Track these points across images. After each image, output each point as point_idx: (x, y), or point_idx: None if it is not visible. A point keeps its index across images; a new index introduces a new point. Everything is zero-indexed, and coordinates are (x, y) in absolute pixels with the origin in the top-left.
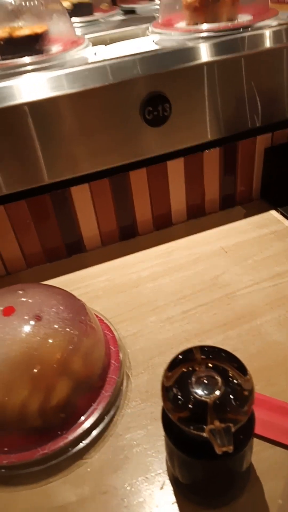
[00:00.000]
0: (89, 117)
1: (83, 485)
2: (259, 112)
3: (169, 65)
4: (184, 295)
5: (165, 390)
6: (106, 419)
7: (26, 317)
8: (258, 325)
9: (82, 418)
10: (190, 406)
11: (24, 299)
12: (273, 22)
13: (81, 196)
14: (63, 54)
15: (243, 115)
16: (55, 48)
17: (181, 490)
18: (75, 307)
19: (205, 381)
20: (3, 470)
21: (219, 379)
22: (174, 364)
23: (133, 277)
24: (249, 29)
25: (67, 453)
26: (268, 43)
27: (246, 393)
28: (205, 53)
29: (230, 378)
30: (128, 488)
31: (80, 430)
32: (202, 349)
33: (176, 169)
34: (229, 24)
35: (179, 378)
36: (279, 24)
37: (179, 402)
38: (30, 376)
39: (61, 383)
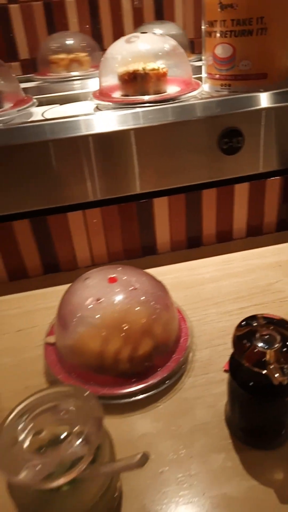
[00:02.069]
0: (175, 142)
1: (157, 421)
2: None
3: (244, 107)
4: (241, 295)
5: (236, 338)
6: (177, 375)
7: (125, 286)
8: None
9: (159, 370)
10: (255, 351)
11: (122, 274)
12: (196, 94)
13: (160, 207)
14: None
15: None
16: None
17: (235, 432)
18: (159, 287)
19: (267, 338)
20: (100, 400)
21: (278, 337)
22: (242, 324)
23: (197, 278)
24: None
25: (146, 394)
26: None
27: None
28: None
29: (286, 338)
30: (193, 427)
31: (158, 378)
32: (264, 317)
33: (242, 192)
34: (155, 96)
35: (246, 333)
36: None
37: (246, 349)
38: (122, 332)
39: (145, 341)
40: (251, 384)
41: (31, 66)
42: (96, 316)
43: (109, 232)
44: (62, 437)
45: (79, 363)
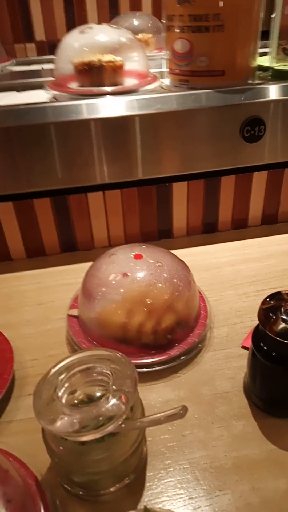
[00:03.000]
0: (198, 129)
1: (179, 390)
2: None
3: (267, 96)
4: (258, 279)
5: (262, 310)
6: (197, 349)
7: (150, 263)
8: None
9: (180, 344)
10: (279, 323)
11: (147, 252)
12: (153, 87)
13: (179, 191)
14: None
15: None
16: None
17: (255, 402)
18: (181, 266)
19: None
20: None
21: None
22: (267, 299)
23: (213, 261)
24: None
25: (168, 364)
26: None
27: None
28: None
29: None
30: (213, 396)
31: (179, 350)
32: None
33: (260, 180)
34: (113, 88)
35: (272, 306)
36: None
37: (271, 320)
38: (146, 306)
39: (168, 316)
40: (273, 354)
41: (46, 48)
42: (122, 290)
43: (128, 214)
44: (97, 395)
45: (103, 334)
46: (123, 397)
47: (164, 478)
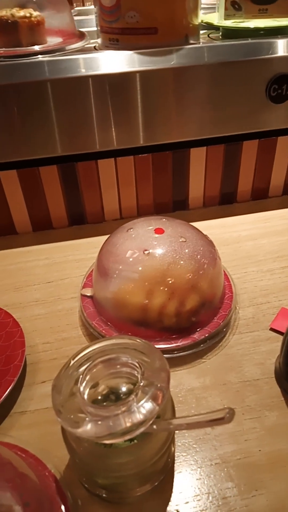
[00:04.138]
0: (219, 86)
1: (204, 377)
2: None
3: None
4: (283, 254)
5: None
6: (222, 332)
7: (173, 238)
8: None
9: (206, 327)
10: None
11: (169, 225)
12: (80, 46)
13: (197, 158)
14: None
15: None
16: None
17: (286, 389)
18: (206, 241)
19: None
20: None
21: None
22: None
23: (234, 235)
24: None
25: (192, 350)
26: None
27: None
28: None
29: None
30: (242, 384)
31: (204, 334)
32: None
33: (285, 145)
34: (28, 48)
35: None
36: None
37: None
38: (169, 286)
39: (192, 296)
40: None
41: None
42: (140, 268)
43: (141, 183)
44: (123, 389)
45: (121, 316)
46: (159, 395)
47: (194, 476)
